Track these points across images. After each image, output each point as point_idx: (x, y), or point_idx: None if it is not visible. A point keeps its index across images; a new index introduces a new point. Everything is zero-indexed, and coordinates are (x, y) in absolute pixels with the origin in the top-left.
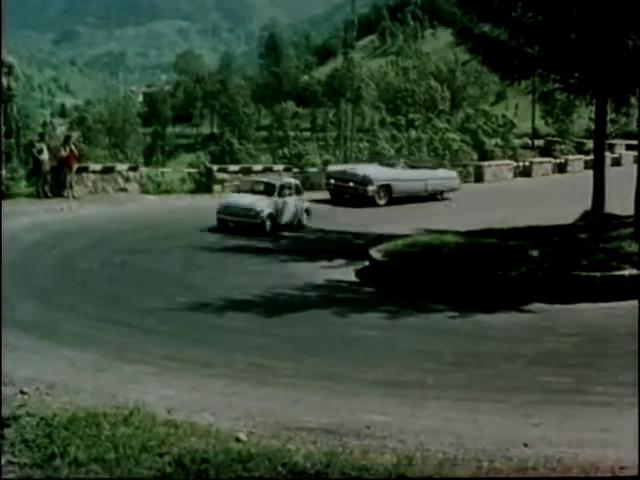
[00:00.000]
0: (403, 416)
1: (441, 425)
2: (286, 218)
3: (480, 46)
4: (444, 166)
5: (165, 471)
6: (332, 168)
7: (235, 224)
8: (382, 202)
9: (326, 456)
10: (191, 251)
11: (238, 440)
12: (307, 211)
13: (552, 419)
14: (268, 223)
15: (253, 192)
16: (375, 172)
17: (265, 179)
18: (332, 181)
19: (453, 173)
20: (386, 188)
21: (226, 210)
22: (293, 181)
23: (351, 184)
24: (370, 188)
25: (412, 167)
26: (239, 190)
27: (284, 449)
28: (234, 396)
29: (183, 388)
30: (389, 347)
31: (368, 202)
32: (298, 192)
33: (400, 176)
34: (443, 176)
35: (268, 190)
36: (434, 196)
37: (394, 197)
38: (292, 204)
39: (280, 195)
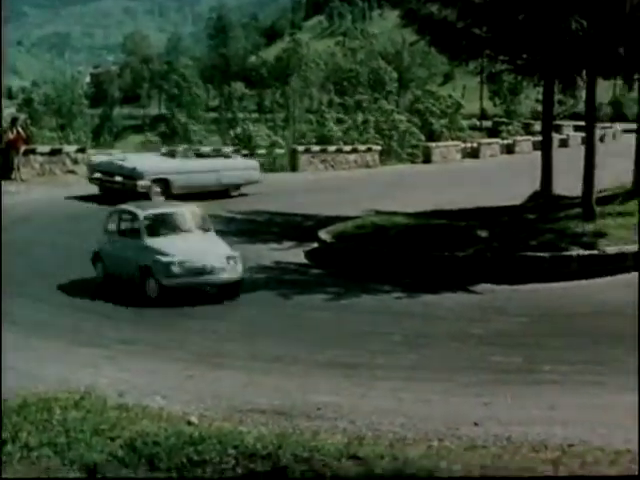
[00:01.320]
0: (354, 397)
1: (392, 405)
2: None
3: (427, 27)
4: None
5: (116, 454)
6: (97, 159)
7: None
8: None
9: (277, 437)
10: None
11: (189, 423)
12: None
13: (502, 398)
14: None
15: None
16: (148, 163)
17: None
18: (97, 175)
19: (252, 162)
20: (162, 183)
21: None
22: None
23: (118, 178)
24: (141, 183)
25: (200, 156)
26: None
27: (235, 431)
28: (186, 379)
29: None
30: (339, 328)
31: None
32: None
33: (182, 168)
34: (240, 166)
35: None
36: (227, 191)
37: (175, 193)
38: None
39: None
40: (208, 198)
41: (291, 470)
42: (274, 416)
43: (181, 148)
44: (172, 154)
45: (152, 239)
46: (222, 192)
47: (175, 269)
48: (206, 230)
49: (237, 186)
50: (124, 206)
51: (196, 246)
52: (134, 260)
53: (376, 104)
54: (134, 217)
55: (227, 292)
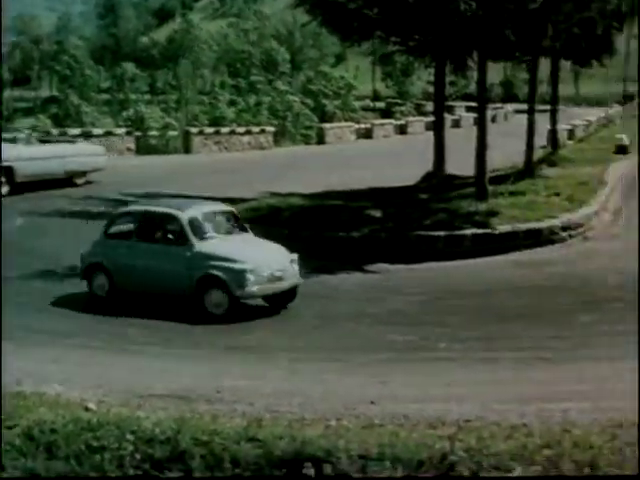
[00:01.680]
0: (252, 379)
1: (290, 387)
2: None
3: (319, 7)
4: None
5: (14, 444)
6: None
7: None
8: (4, 191)
9: (176, 422)
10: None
11: (87, 409)
12: None
13: (398, 376)
14: None
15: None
16: None
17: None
18: None
19: (98, 148)
20: (6, 170)
21: None
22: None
23: None
24: None
25: (44, 142)
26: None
27: (134, 417)
28: (83, 366)
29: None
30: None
31: None
32: None
33: (26, 154)
34: (85, 152)
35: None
36: (71, 180)
37: (19, 182)
38: None
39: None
40: (55, 187)
41: (190, 454)
42: (173, 401)
43: (24, 134)
44: (14, 140)
45: (202, 244)
46: (67, 180)
47: (251, 277)
48: (244, 230)
49: (82, 173)
50: (141, 207)
51: (257, 250)
52: (183, 270)
53: (270, 85)
54: (168, 219)
55: (283, 300)
